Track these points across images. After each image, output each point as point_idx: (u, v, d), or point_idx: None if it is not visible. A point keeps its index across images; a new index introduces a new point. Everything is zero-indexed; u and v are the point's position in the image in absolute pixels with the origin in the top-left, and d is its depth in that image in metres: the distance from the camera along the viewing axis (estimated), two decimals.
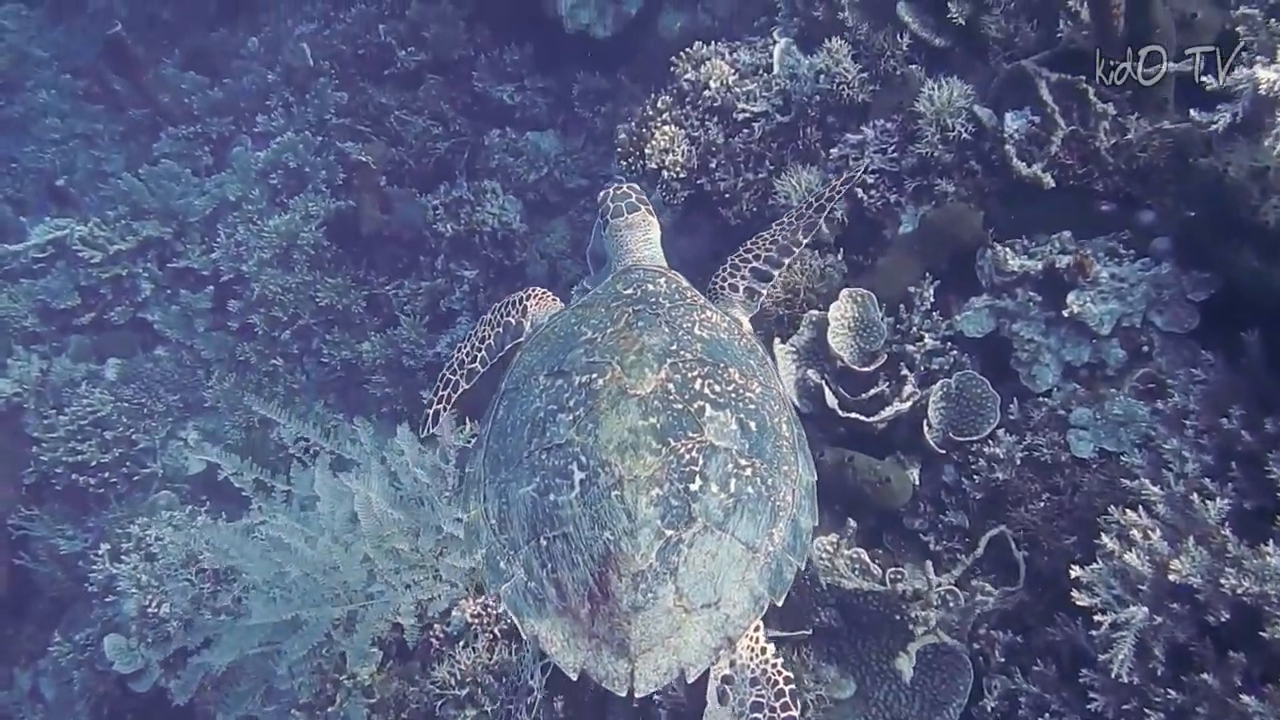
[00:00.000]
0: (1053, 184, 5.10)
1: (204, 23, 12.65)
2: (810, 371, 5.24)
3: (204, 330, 9.94)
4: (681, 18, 9.23)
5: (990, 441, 4.97)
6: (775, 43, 6.68)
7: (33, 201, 12.17)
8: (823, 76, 6.04)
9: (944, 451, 5.07)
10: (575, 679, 3.91)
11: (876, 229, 5.79)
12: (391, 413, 9.25)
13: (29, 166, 12.12)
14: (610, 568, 3.75)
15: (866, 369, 5.17)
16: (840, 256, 5.78)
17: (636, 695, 3.78)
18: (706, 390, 4.07)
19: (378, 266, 9.77)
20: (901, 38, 5.94)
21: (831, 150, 5.93)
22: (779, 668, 4.06)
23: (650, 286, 4.68)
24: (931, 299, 5.29)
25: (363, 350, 9.27)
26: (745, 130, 6.34)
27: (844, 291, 5.31)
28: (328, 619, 5.87)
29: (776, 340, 5.35)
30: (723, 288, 5.08)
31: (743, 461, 3.96)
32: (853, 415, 5.03)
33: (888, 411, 5.03)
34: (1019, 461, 4.91)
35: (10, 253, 10.48)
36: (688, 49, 6.89)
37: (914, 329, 5.30)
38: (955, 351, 5.23)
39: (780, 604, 4.01)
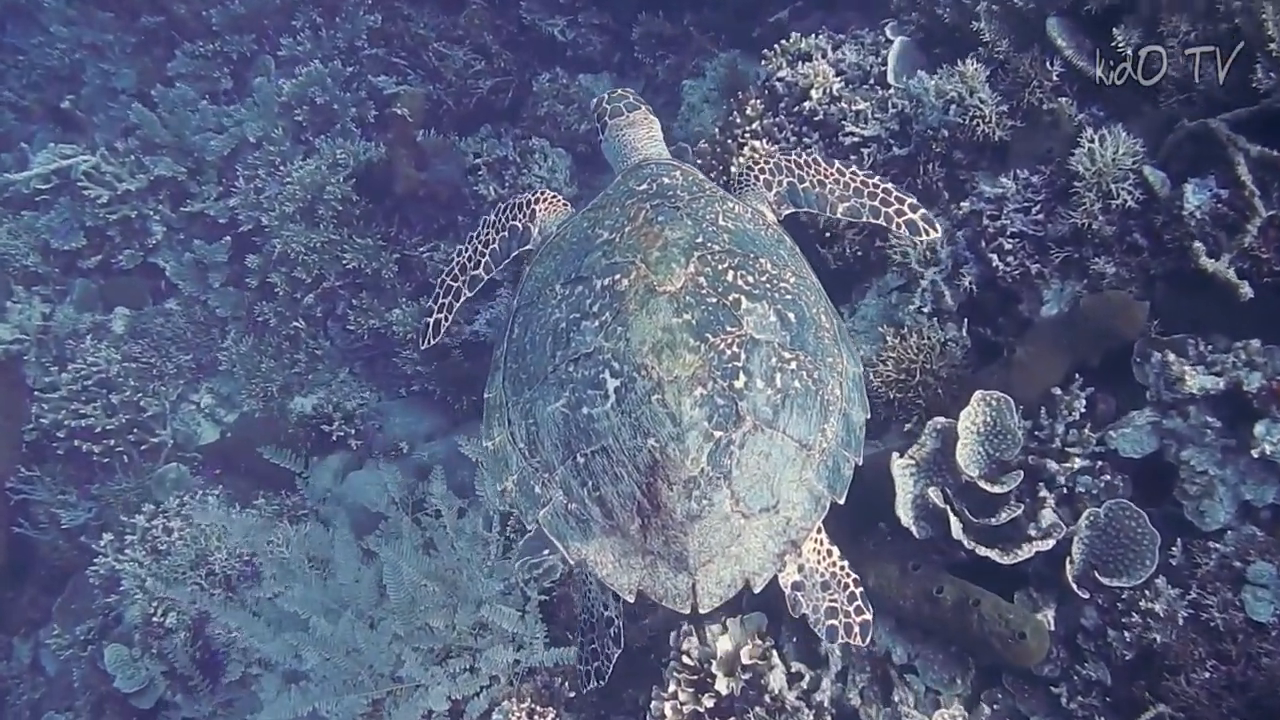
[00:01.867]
0: (1250, 293, 4.17)
1: None
2: (932, 490, 4.41)
3: (219, 286, 9.07)
4: None
5: (1146, 591, 4.18)
6: (889, 41, 5.67)
7: (37, 111, 11.24)
8: (953, 107, 5.04)
9: (1087, 595, 4.29)
10: (632, 600, 3.67)
11: (1010, 301, 4.89)
12: (422, 391, 8.46)
13: (36, 63, 11.10)
14: (659, 477, 3.50)
15: (999, 490, 4.33)
16: (964, 330, 4.90)
17: (701, 611, 3.59)
18: (740, 282, 3.78)
19: (411, 225, 8.84)
20: (1051, 64, 4.94)
21: (962, 203, 4.99)
22: (847, 569, 3.92)
23: (666, 180, 4.27)
24: (1082, 409, 4.42)
25: (393, 319, 8.38)
26: (853, 156, 5.37)
27: (977, 395, 4.46)
28: (350, 714, 5.19)
29: (895, 455, 4.50)
30: (755, 179, 4.64)
31: (786, 355, 3.71)
32: (985, 553, 4.22)
33: (1025, 552, 4.24)
34: (1181, 621, 4.11)
35: (10, 181, 9.58)
36: (783, 40, 5.87)
37: (1056, 440, 4.45)
38: (1107, 475, 4.38)
39: (842, 502, 3.76)
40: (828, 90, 5.54)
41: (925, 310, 5.02)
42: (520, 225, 4.74)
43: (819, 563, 3.90)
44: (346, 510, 7.88)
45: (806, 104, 5.52)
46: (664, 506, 3.51)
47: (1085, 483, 4.40)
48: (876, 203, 4.52)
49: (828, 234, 5.40)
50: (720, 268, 3.80)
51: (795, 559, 3.77)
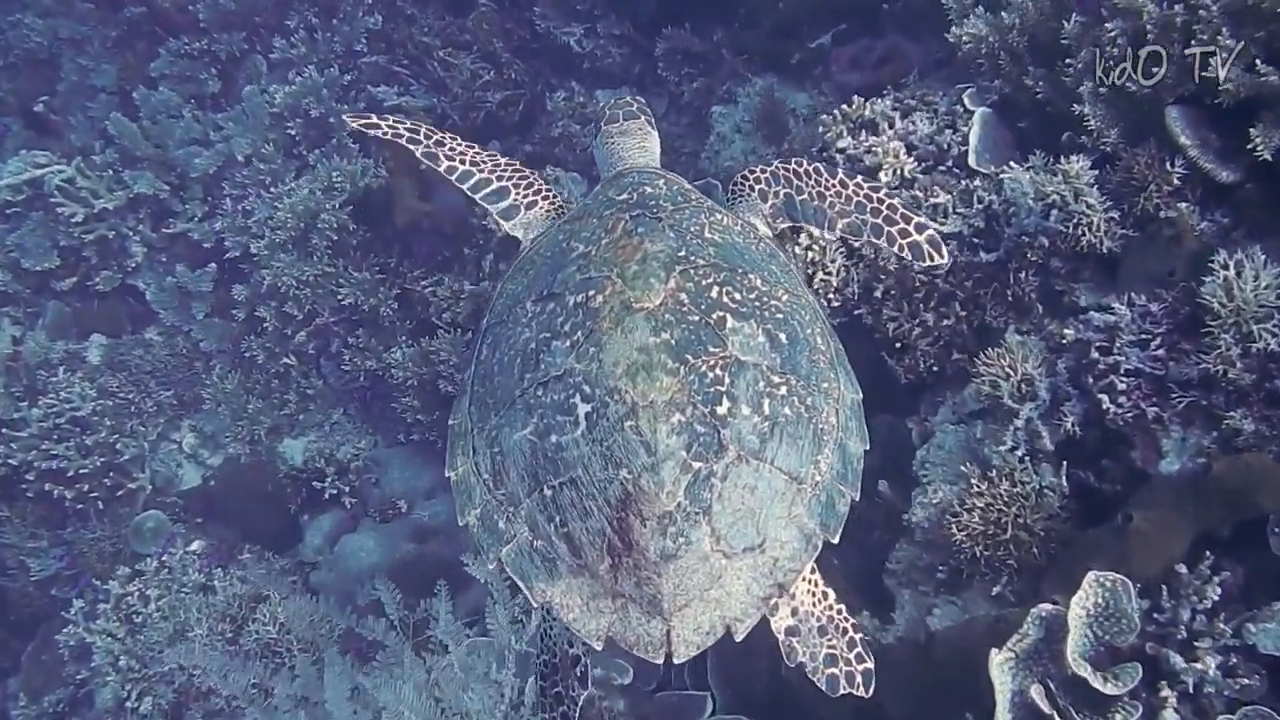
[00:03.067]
0: None
1: None
2: (1034, 689, 3.75)
3: (203, 317, 8.33)
4: None
5: None
6: (968, 112, 4.95)
7: (12, 103, 10.44)
8: (1054, 212, 4.34)
9: None
10: (600, 649, 3.39)
11: (1120, 445, 4.20)
12: (423, 441, 7.78)
13: (14, 44, 10.28)
14: (631, 512, 3.20)
15: (1114, 690, 3.67)
16: (1063, 476, 4.22)
17: (676, 660, 3.28)
18: (725, 299, 3.50)
19: (413, 256, 8.08)
20: (1172, 165, 4.23)
21: (1065, 330, 4.29)
22: (845, 613, 3.67)
23: (648, 189, 3.98)
24: (1216, 597, 3.76)
25: (391, 360, 7.66)
26: None
27: (1090, 578, 3.81)
28: None
29: (993, 651, 3.83)
30: (750, 191, 4.30)
31: (776, 379, 3.43)
32: None
33: None
34: None
35: None
36: (844, 106, 5.14)
37: (1180, 627, 3.79)
38: (1242, 675, 3.73)
39: (835, 540, 3.47)
40: (899, 172, 4.83)
41: (1018, 451, 4.34)
42: (513, 196, 4.39)
43: (814, 605, 3.63)
44: (339, 576, 7.26)
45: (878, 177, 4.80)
46: (636, 545, 3.21)
47: (1215, 680, 3.74)
48: (880, 220, 4.09)
49: (898, 344, 4.72)
50: (704, 283, 3.51)
51: (788, 602, 3.54)
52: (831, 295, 4.76)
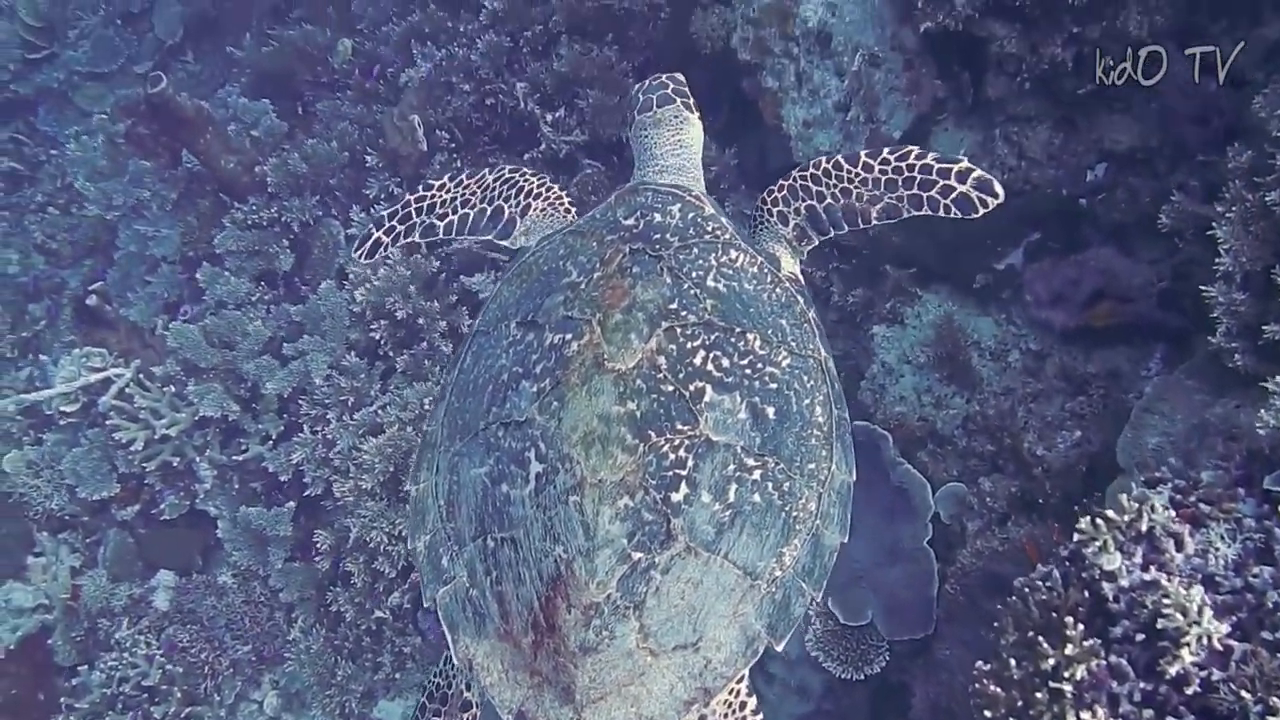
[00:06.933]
0: None
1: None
2: None
3: (282, 563, 7.23)
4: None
5: None
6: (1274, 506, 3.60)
7: (67, 255, 9.48)
8: None
9: None
10: None
11: None
12: None
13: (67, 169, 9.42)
14: (559, 593, 3.02)
15: None
16: None
17: None
18: (710, 366, 3.24)
19: None
20: None
21: None
22: None
23: (657, 217, 3.62)
24: None
25: None
26: None
27: None
28: None
29: None
30: (769, 216, 3.88)
31: (750, 461, 3.18)
32: None
33: None
34: None
35: (31, 402, 7.82)
36: (1110, 512, 3.81)
37: None
38: None
39: (780, 649, 3.21)
40: (1205, 641, 3.48)
41: None
42: (507, 213, 4.10)
43: (725, 716, 3.33)
44: None
45: (1170, 664, 3.47)
46: (558, 629, 3.04)
47: None
48: (915, 189, 3.67)
49: None
50: (689, 346, 3.26)
51: (700, 708, 3.18)
52: None
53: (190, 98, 7.96)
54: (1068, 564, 3.99)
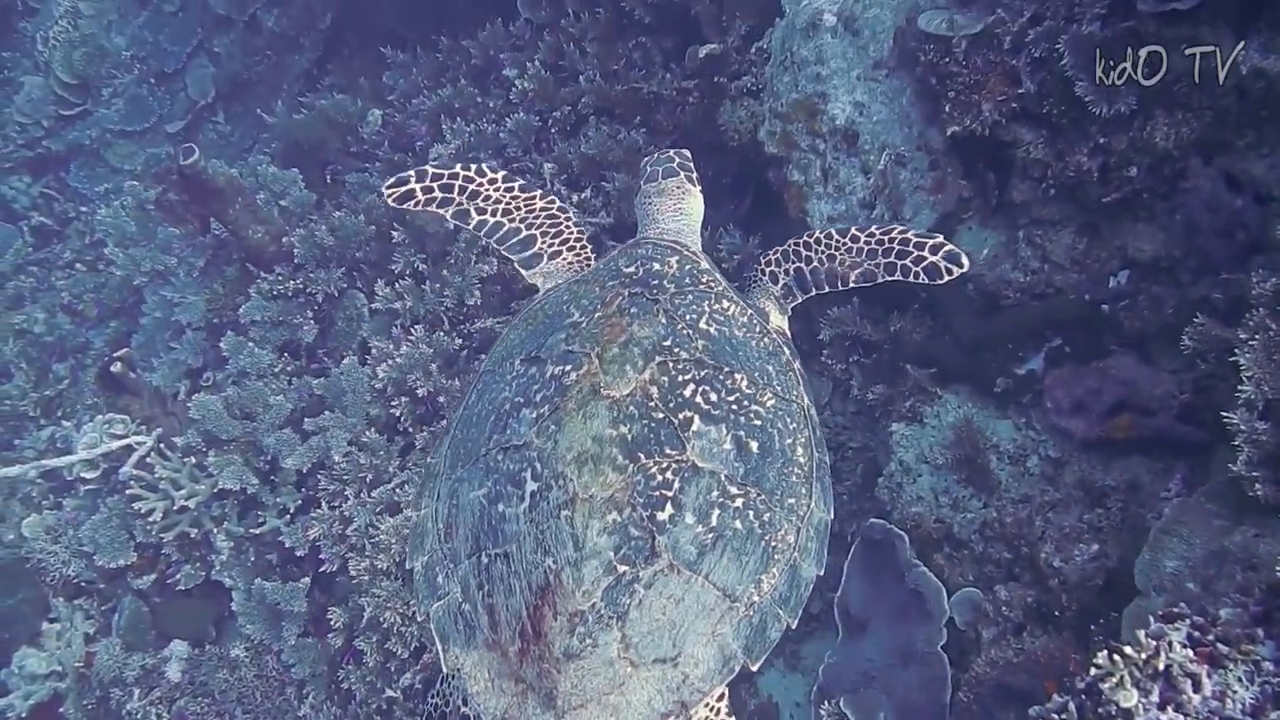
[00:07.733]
0: None
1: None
2: None
3: (295, 638, 7.22)
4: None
5: None
6: None
7: (91, 315, 9.56)
8: None
9: None
10: None
11: None
12: None
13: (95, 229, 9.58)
14: (547, 602, 3.18)
15: None
16: None
17: None
18: (699, 399, 3.46)
19: None
20: None
21: None
22: None
23: (656, 265, 3.92)
24: None
25: None
26: None
27: None
28: None
29: None
30: (762, 275, 4.29)
31: (733, 490, 3.37)
32: None
33: None
34: None
35: (51, 468, 7.86)
36: (1126, 650, 3.79)
37: None
38: None
39: (755, 669, 3.35)
40: None
41: None
42: (537, 246, 4.37)
43: None
44: None
45: None
46: (544, 636, 3.18)
47: None
48: (891, 258, 4.03)
49: None
50: (680, 379, 3.49)
51: None
52: None
53: (223, 166, 8.04)
54: (1083, 697, 3.96)
